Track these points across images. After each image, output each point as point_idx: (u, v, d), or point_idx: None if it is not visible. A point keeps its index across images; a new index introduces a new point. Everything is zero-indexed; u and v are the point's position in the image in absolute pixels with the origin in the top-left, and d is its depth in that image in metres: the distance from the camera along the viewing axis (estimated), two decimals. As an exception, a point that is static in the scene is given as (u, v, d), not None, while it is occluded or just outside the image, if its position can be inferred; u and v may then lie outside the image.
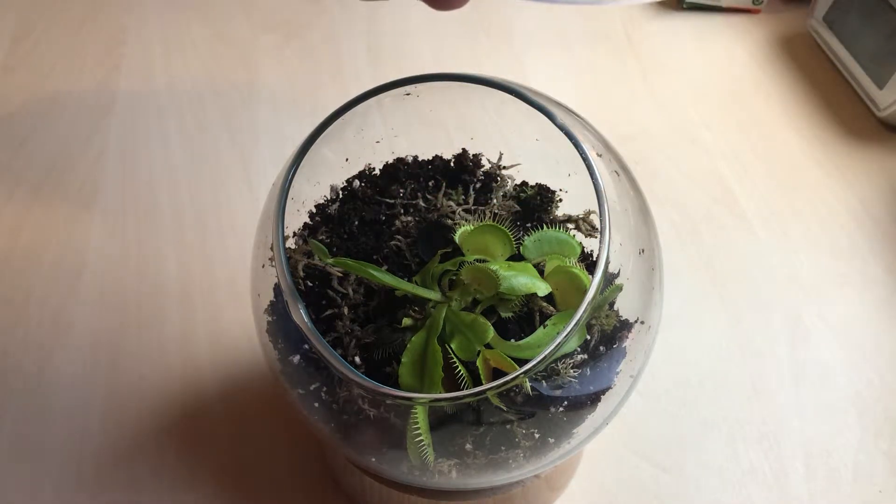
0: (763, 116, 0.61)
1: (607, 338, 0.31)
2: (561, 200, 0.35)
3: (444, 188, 0.35)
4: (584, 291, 0.27)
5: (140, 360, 0.46)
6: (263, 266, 0.32)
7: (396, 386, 0.28)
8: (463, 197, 0.35)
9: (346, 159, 0.36)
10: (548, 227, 0.32)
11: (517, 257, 0.32)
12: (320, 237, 0.34)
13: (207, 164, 0.57)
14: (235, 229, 0.53)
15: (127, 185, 0.56)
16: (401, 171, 0.36)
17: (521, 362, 0.26)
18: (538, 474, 0.35)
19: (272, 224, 0.29)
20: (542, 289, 0.30)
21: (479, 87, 0.30)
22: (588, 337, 0.30)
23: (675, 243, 0.53)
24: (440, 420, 0.29)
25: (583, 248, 0.33)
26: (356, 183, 0.36)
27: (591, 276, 0.27)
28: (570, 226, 0.34)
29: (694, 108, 0.61)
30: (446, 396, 0.27)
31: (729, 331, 0.48)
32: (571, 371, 0.29)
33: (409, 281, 0.31)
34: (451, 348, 0.29)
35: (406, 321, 0.30)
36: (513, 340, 0.30)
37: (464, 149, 0.36)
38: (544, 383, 0.29)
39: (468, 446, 0.30)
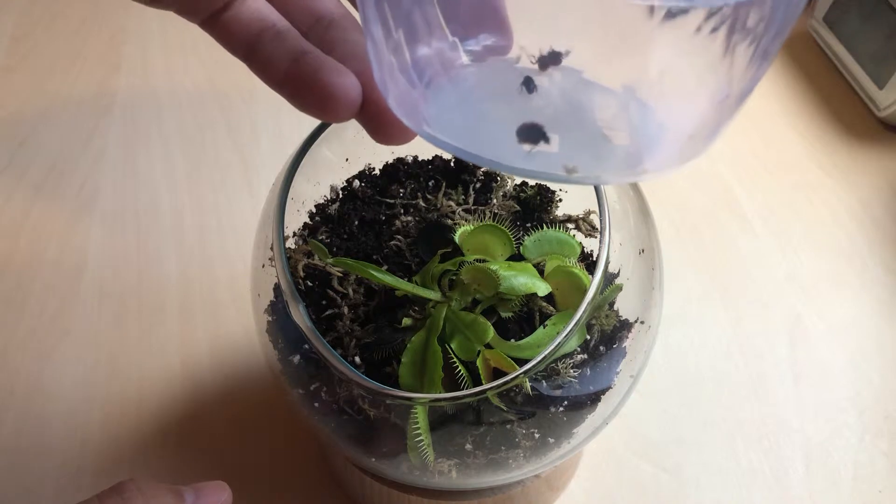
0: (763, 116, 0.61)
1: (607, 338, 0.31)
2: (561, 200, 0.35)
3: (443, 188, 0.35)
4: (584, 291, 0.27)
5: (140, 360, 0.46)
6: (263, 266, 0.32)
7: (396, 386, 0.28)
8: (463, 197, 0.35)
9: (346, 159, 0.36)
10: (548, 227, 0.33)
11: (517, 257, 0.32)
12: (320, 237, 0.34)
13: (207, 164, 0.57)
14: (235, 229, 0.53)
15: (127, 185, 0.56)
16: (401, 171, 0.36)
17: (521, 362, 0.26)
18: (538, 474, 0.35)
19: (272, 224, 0.29)
20: (542, 289, 0.30)
21: (479, 87, 0.30)
22: (588, 337, 0.30)
23: (675, 243, 0.53)
24: (440, 420, 0.29)
25: (583, 248, 0.33)
26: (356, 183, 0.36)
27: (591, 276, 0.27)
28: (570, 226, 0.34)
29: (694, 108, 0.61)
30: (446, 396, 0.27)
31: (729, 331, 0.48)
32: (571, 371, 0.29)
33: (409, 281, 0.31)
34: (451, 348, 0.29)
35: (406, 321, 0.30)
36: (513, 340, 0.30)
37: (464, 149, 0.36)
38: (544, 383, 0.29)
39: (468, 446, 0.30)
